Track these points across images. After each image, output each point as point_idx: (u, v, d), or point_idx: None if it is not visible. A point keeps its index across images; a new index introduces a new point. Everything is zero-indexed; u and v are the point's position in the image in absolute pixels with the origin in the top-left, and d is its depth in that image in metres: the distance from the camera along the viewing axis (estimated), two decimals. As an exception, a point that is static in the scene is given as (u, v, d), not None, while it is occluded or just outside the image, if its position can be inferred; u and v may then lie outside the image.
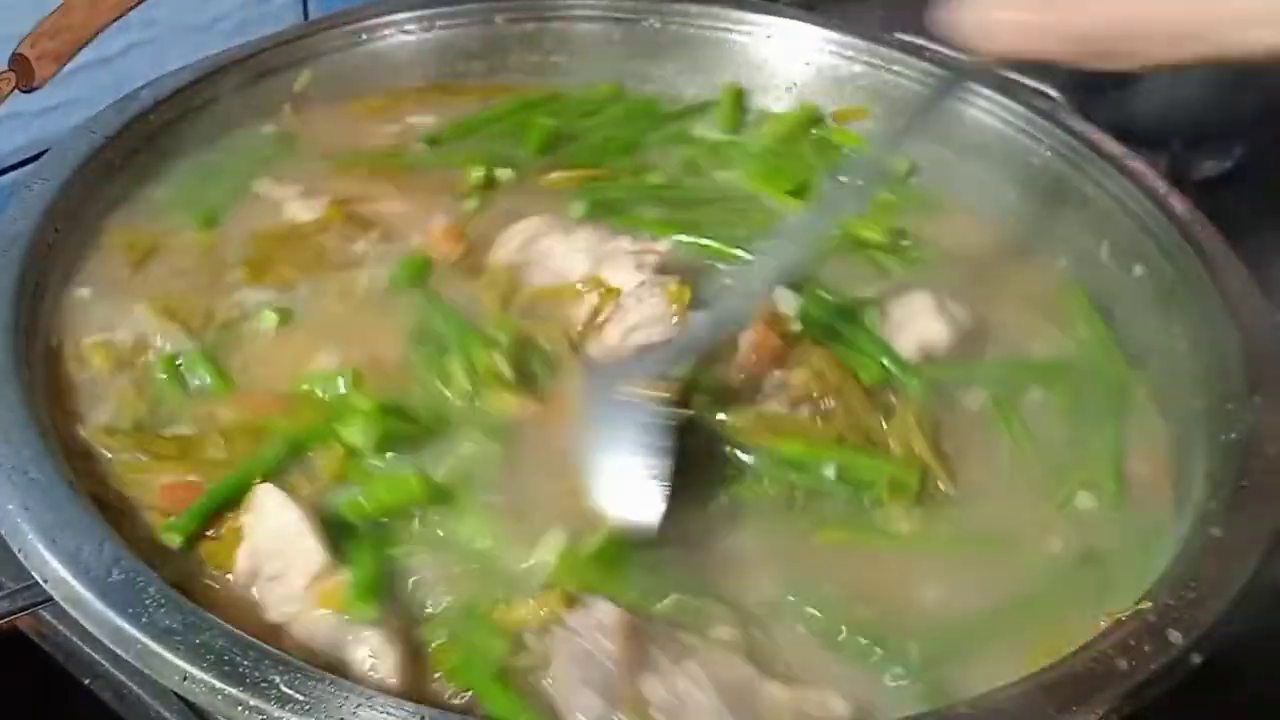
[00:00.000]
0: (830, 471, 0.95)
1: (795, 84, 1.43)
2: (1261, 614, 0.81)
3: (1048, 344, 1.15)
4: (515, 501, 0.91)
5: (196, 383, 1.00)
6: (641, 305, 1.03)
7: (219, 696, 0.70)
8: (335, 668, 0.77)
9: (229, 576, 0.85)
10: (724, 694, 0.77)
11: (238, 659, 0.71)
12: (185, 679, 0.71)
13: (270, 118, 1.31)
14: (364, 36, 1.37)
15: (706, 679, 0.78)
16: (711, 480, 0.94)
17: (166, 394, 0.99)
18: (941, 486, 0.98)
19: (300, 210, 1.18)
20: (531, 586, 0.85)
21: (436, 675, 0.81)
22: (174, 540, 0.86)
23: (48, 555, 0.77)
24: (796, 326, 1.03)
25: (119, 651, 0.73)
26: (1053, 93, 1.31)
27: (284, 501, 0.86)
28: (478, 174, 1.24)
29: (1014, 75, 1.33)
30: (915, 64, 1.37)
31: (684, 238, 1.18)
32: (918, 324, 1.08)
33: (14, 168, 1.28)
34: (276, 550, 0.84)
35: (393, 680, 0.78)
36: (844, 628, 0.86)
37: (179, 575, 0.82)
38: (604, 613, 0.80)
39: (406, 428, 0.94)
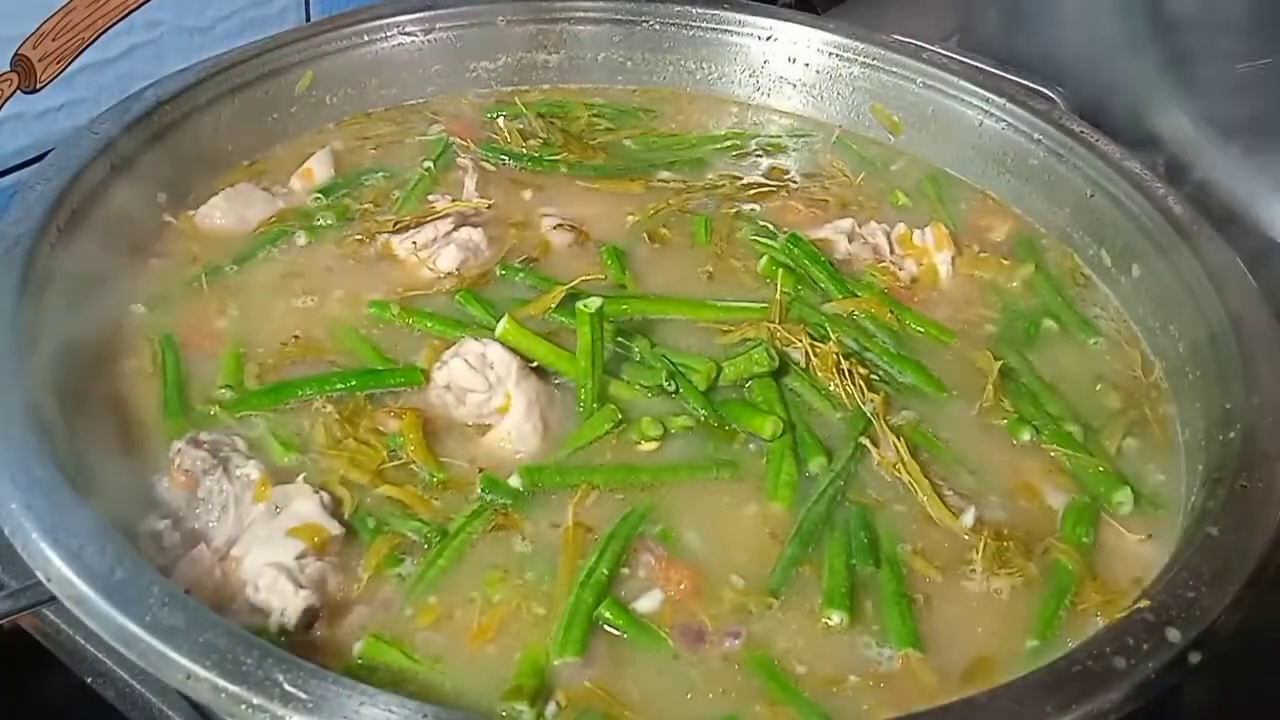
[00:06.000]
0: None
1: (795, 85, 1.44)
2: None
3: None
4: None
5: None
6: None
7: (222, 695, 0.70)
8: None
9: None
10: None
11: (241, 657, 0.71)
12: (188, 677, 0.71)
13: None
14: (365, 38, 1.37)
15: None
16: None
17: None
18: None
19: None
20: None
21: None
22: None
23: (51, 554, 0.77)
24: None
25: (122, 650, 0.74)
26: (1051, 94, 1.32)
27: None
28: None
29: (1013, 76, 1.34)
30: (913, 64, 1.38)
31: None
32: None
33: (17, 168, 1.28)
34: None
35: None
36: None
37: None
38: None
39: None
